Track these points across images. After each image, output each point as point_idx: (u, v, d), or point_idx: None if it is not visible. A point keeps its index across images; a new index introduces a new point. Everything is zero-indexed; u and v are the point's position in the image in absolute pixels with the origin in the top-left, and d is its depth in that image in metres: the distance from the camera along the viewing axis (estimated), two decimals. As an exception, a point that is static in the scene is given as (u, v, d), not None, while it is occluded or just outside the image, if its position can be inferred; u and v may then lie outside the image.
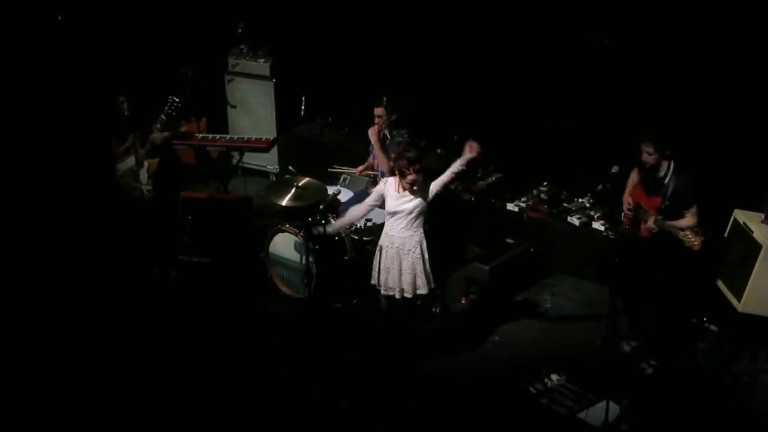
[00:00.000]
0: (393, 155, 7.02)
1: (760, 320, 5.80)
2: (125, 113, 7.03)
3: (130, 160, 7.11)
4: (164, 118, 6.87)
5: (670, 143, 5.68)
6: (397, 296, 5.90)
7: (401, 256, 5.80)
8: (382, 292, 5.98)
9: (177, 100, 6.89)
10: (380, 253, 5.92)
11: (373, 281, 6.01)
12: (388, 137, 6.97)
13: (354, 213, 6.10)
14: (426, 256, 5.82)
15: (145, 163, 7.03)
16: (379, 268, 5.92)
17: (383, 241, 5.89)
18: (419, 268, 5.80)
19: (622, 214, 6.08)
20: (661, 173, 5.77)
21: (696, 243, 5.35)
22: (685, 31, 6.85)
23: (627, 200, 6.03)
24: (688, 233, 5.39)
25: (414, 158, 5.60)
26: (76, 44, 8.99)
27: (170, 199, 7.15)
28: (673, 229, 5.55)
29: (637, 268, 5.82)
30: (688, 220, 5.65)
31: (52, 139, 8.72)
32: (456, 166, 5.70)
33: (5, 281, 6.98)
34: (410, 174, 5.62)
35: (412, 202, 5.72)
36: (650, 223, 5.66)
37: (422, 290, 5.87)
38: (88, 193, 8.15)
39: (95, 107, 8.20)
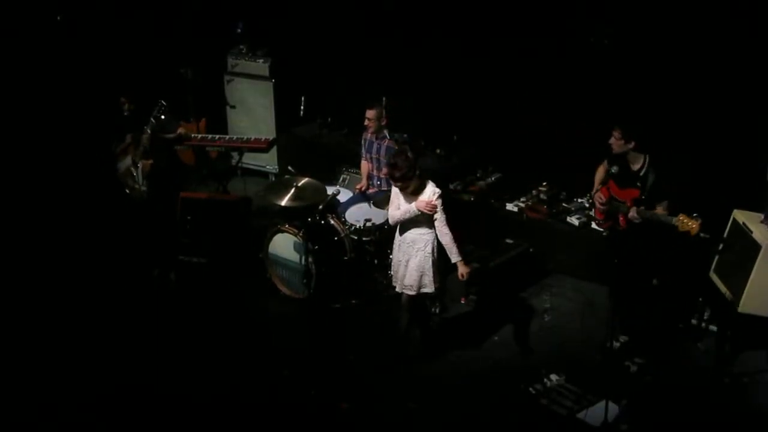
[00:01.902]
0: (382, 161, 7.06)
1: (760, 320, 5.80)
2: (125, 113, 7.04)
3: (128, 160, 7.13)
4: (153, 120, 6.89)
5: (637, 134, 5.70)
6: (398, 290, 5.92)
7: (410, 253, 5.81)
8: (393, 283, 6.03)
9: (165, 103, 6.90)
10: (395, 247, 5.96)
11: (391, 272, 6.07)
12: (387, 137, 6.97)
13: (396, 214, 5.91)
14: (436, 255, 5.81)
15: (140, 164, 7.04)
16: (393, 261, 5.99)
17: (398, 236, 5.93)
18: (427, 266, 5.80)
19: (594, 211, 6.11)
20: (636, 167, 5.81)
21: (694, 226, 5.32)
22: (685, 31, 6.86)
23: (599, 197, 6.04)
24: (682, 218, 5.37)
25: (392, 175, 5.58)
26: (77, 45, 9.02)
27: (169, 199, 7.15)
28: (661, 217, 5.56)
29: (632, 265, 5.81)
30: (660, 212, 5.68)
31: (52, 139, 8.75)
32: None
33: (5, 280, 6.99)
34: (395, 184, 5.66)
35: (414, 204, 5.72)
36: (632, 214, 5.67)
37: (428, 289, 5.87)
38: (89, 193, 8.18)
39: (95, 108, 8.22)
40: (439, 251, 5.84)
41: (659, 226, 5.56)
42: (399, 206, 5.78)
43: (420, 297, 5.95)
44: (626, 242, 5.85)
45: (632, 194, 5.79)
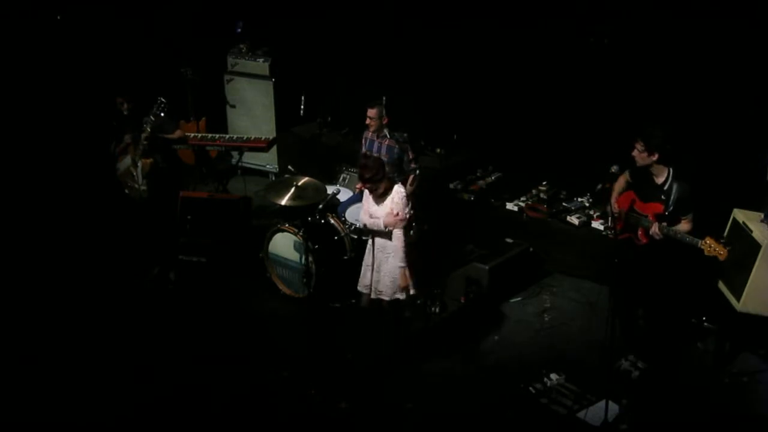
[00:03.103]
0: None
1: (760, 320, 5.79)
2: (124, 113, 7.02)
3: (128, 160, 7.10)
4: (152, 118, 6.87)
5: (661, 146, 5.52)
6: (373, 296, 5.89)
7: (381, 258, 5.78)
8: (358, 287, 5.99)
9: (164, 100, 6.89)
10: (366, 251, 5.94)
11: (361, 282, 6.03)
12: (388, 136, 6.96)
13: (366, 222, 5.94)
14: (406, 261, 5.77)
15: (139, 163, 7.01)
16: (363, 265, 5.96)
17: (369, 240, 5.91)
18: (398, 273, 5.77)
19: (610, 219, 5.92)
20: (660, 180, 5.64)
21: (722, 253, 5.26)
22: (683, 31, 6.85)
23: (615, 206, 5.85)
24: (710, 242, 5.29)
25: (362, 176, 5.58)
26: (76, 45, 9.02)
27: (169, 198, 7.14)
28: (686, 238, 5.47)
29: (636, 270, 5.77)
30: (684, 225, 5.58)
31: (51, 139, 8.75)
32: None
33: (3, 280, 6.99)
34: (364, 185, 5.63)
35: (382, 209, 5.71)
36: (655, 230, 5.55)
37: (399, 295, 5.82)
38: (87, 192, 8.18)
39: (95, 107, 8.22)
40: (412, 257, 5.79)
41: (681, 245, 5.46)
42: (368, 209, 5.77)
43: (395, 302, 5.89)
44: (643, 257, 5.73)
45: (655, 208, 5.63)
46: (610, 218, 5.94)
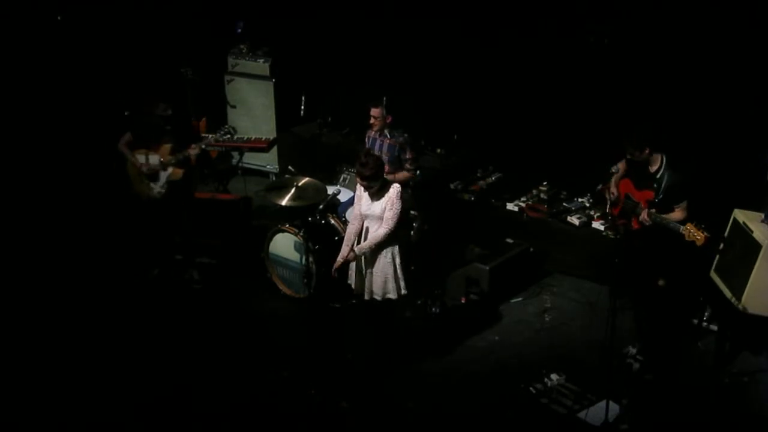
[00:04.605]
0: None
1: (760, 320, 5.79)
2: (168, 117, 6.87)
3: (154, 159, 6.87)
4: (212, 141, 7.03)
5: (649, 141, 5.60)
6: (366, 297, 5.89)
7: (372, 259, 5.78)
8: (354, 292, 5.99)
9: (234, 129, 7.22)
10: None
11: (349, 281, 6.01)
12: (388, 136, 6.96)
13: (351, 228, 5.96)
14: (398, 260, 5.75)
15: (169, 170, 6.87)
16: (355, 269, 5.93)
17: (357, 240, 5.89)
18: (390, 272, 5.75)
19: (608, 206, 5.99)
20: (653, 168, 5.72)
21: (699, 238, 5.31)
22: (683, 31, 6.86)
23: (613, 191, 5.94)
24: (689, 227, 5.35)
25: (361, 174, 5.58)
26: (76, 45, 9.03)
27: (186, 202, 7.06)
28: (670, 223, 5.53)
29: (635, 266, 5.79)
30: (678, 214, 5.63)
31: (49, 138, 8.76)
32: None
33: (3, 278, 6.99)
34: (362, 183, 5.64)
35: (378, 206, 5.70)
36: (644, 216, 5.63)
37: (392, 295, 5.82)
38: (87, 192, 8.18)
39: (93, 107, 8.23)
40: (405, 257, 5.80)
41: (667, 232, 5.52)
42: (361, 207, 5.76)
43: (386, 303, 5.88)
44: (633, 244, 5.77)
45: (647, 195, 5.71)
46: (608, 204, 5.99)
